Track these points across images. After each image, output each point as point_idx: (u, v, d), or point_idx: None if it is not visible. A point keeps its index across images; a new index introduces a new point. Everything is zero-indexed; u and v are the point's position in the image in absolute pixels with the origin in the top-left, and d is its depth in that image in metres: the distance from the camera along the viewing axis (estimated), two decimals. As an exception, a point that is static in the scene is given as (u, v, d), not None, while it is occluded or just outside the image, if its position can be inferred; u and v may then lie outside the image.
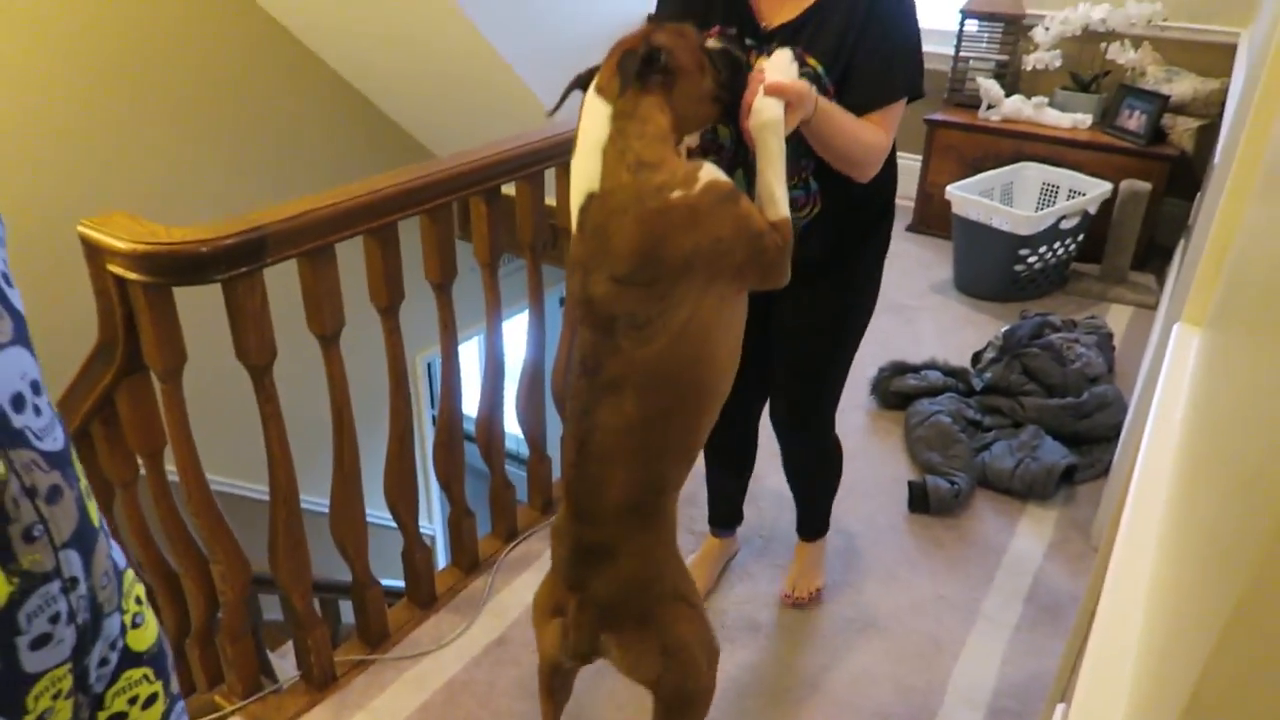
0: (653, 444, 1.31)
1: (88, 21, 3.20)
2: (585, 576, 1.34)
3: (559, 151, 2.04)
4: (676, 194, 1.20)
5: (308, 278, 1.65)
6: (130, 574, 0.99)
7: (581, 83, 1.31)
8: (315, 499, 2.13)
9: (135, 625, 0.97)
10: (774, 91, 1.30)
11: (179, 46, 3.47)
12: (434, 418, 4.49)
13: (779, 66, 1.34)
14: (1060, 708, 1.20)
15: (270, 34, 3.68)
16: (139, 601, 0.99)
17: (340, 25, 3.54)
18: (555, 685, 1.53)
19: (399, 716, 1.84)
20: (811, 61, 1.47)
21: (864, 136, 1.49)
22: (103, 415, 1.68)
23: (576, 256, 1.27)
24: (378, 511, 2.29)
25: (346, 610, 3.08)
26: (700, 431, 1.37)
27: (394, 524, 2.04)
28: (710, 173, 1.24)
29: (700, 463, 2.60)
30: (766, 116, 1.30)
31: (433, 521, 5.58)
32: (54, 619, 0.83)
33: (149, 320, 1.49)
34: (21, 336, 0.83)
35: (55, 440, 0.85)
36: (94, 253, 1.47)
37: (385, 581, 2.06)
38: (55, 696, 0.85)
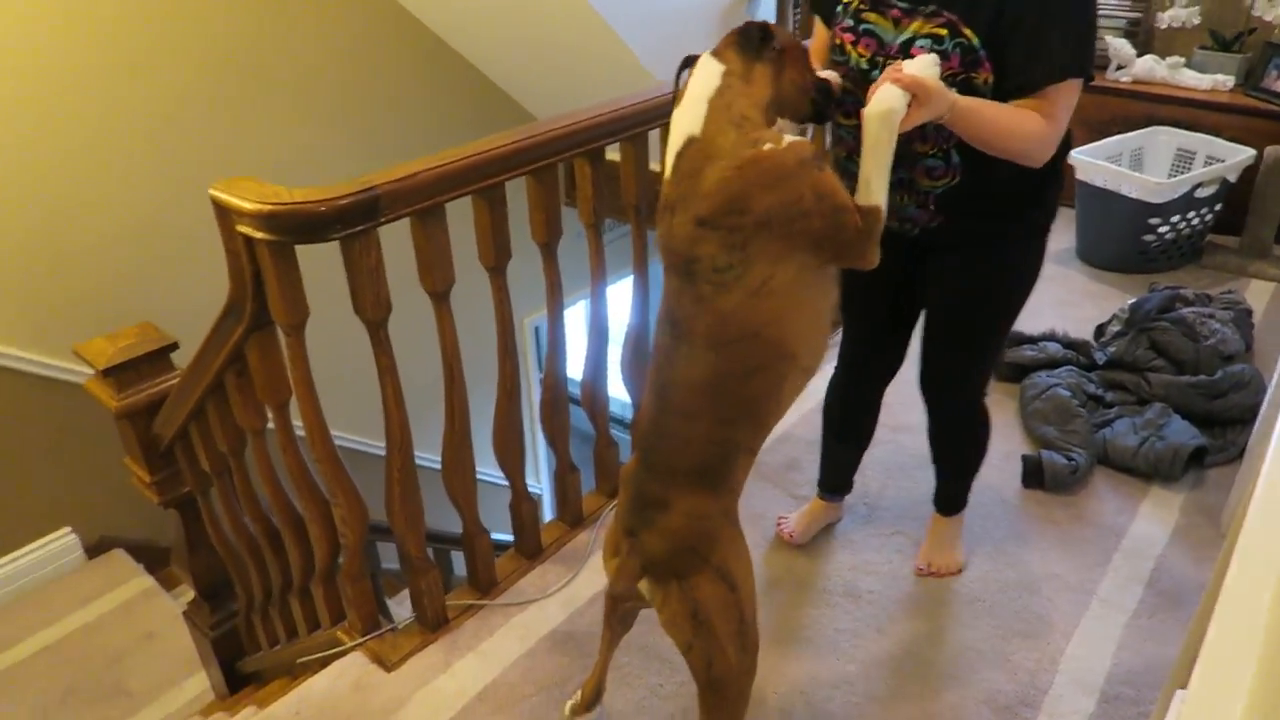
0: (729, 404, 1.31)
1: (214, 7, 3.36)
2: (637, 525, 1.36)
3: (662, 114, 2.03)
4: (768, 146, 1.23)
5: (419, 236, 1.70)
6: None
7: (690, 64, 1.34)
8: (428, 455, 2.21)
9: None
10: (903, 84, 1.27)
11: (296, 25, 3.61)
12: (541, 380, 4.59)
13: (920, 64, 1.32)
14: (1179, 694, 1.15)
15: (379, 7, 3.78)
16: None
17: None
18: (617, 617, 1.64)
19: (506, 660, 1.91)
20: (967, 32, 1.39)
21: (1020, 129, 1.41)
22: (235, 368, 1.80)
23: (666, 198, 1.29)
24: (488, 469, 2.36)
25: (458, 563, 3.20)
26: (780, 400, 1.35)
27: (503, 480, 2.10)
28: (798, 140, 1.27)
29: (794, 431, 2.58)
30: (883, 107, 1.28)
31: (540, 481, 5.73)
32: None
33: (274, 277, 1.56)
34: None
35: None
36: (224, 214, 1.55)
37: (495, 535, 2.13)
38: None
